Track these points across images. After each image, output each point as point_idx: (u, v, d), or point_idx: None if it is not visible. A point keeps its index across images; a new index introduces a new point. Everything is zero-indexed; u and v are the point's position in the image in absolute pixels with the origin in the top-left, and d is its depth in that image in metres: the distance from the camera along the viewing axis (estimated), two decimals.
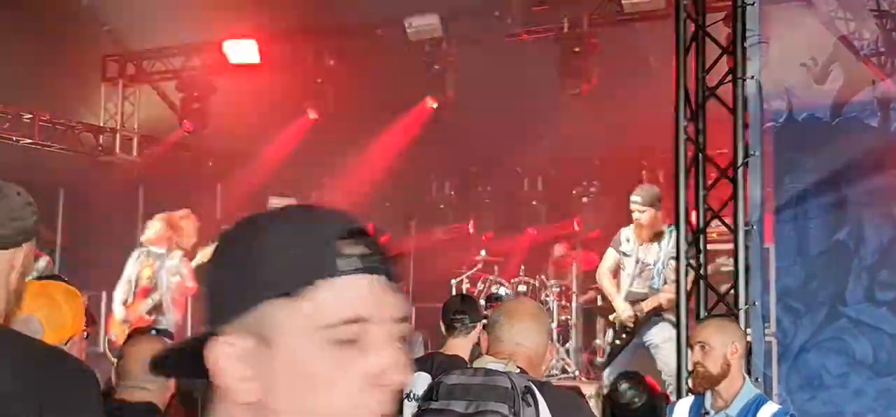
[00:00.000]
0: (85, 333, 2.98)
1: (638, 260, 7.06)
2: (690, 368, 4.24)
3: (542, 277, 10.11)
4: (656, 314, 6.92)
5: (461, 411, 2.73)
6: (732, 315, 5.22)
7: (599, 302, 7.34)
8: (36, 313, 2.57)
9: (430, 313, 10.61)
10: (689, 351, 4.17)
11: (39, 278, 7.68)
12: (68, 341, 2.65)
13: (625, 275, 7.13)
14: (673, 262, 6.82)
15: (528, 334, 3.09)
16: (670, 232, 6.94)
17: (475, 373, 2.85)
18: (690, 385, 4.36)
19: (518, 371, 2.88)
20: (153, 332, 4.08)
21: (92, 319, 3.70)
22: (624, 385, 4.77)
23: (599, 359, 8.58)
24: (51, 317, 2.62)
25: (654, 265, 7.00)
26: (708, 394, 4.15)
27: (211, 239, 8.97)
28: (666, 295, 6.77)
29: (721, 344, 4.09)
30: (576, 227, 10.84)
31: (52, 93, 11.49)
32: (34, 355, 2.26)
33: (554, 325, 9.66)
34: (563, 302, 9.81)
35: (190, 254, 8.65)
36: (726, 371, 4.07)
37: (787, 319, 5.49)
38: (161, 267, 8.41)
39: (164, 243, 8.46)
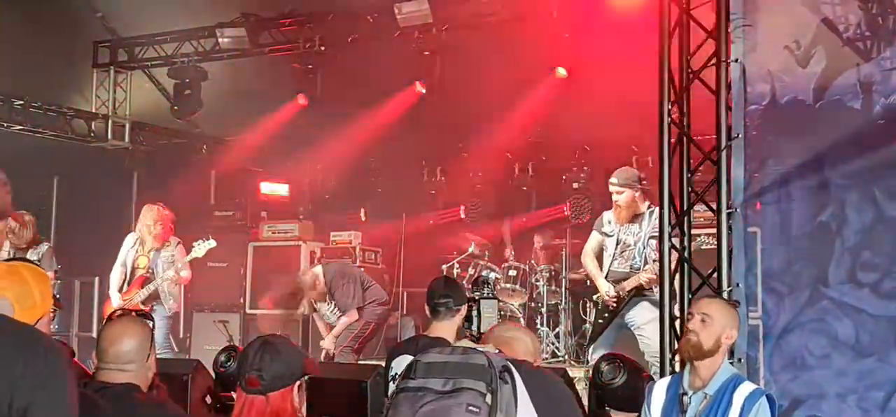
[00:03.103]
0: (52, 314, 2.99)
1: (619, 241, 7.21)
2: (682, 334, 4.28)
3: (532, 262, 10.16)
4: (638, 294, 7.00)
5: (438, 388, 2.74)
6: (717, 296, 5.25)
7: (588, 284, 7.45)
8: (7, 293, 2.59)
9: (421, 298, 10.63)
10: (688, 318, 4.22)
11: (38, 262, 7.65)
12: (37, 321, 2.66)
13: (606, 255, 7.25)
14: (654, 242, 6.91)
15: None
16: (650, 212, 7.04)
17: (453, 352, 2.88)
18: (677, 350, 4.39)
19: (496, 351, 2.90)
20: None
21: (57, 302, 3.73)
22: (605, 366, 4.82)
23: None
24: (22, 298, 2.63)
25: (635, 245, 7.12)
26: (686, 373, 4.18)
27: (208, 231, 8.98)
28: (646, 275, 6.86)
29: (721, 324, 4.14)
30: (566, 212, 10.88)
31: (43, 80, 11.50)
32: (9, 333, 2.29)
33: (544, 310, 9.73)
34: (553, 287, 9.86)
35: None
36: (715, 351, 4.11)
37: (771, 301, 5.50)
38: (156, 257, 8.38)
39: (158, 236, 8.39)
